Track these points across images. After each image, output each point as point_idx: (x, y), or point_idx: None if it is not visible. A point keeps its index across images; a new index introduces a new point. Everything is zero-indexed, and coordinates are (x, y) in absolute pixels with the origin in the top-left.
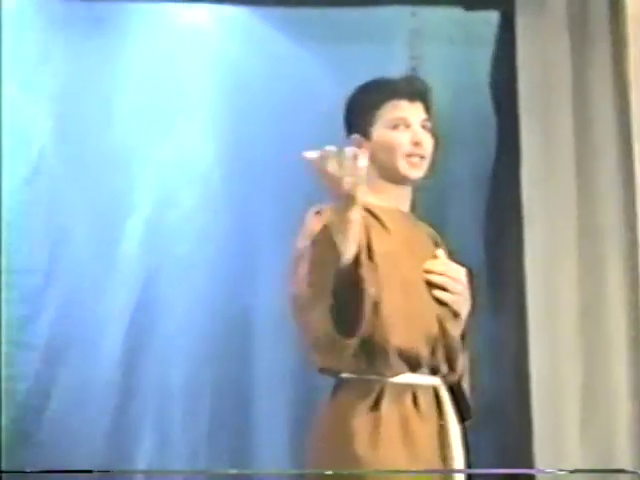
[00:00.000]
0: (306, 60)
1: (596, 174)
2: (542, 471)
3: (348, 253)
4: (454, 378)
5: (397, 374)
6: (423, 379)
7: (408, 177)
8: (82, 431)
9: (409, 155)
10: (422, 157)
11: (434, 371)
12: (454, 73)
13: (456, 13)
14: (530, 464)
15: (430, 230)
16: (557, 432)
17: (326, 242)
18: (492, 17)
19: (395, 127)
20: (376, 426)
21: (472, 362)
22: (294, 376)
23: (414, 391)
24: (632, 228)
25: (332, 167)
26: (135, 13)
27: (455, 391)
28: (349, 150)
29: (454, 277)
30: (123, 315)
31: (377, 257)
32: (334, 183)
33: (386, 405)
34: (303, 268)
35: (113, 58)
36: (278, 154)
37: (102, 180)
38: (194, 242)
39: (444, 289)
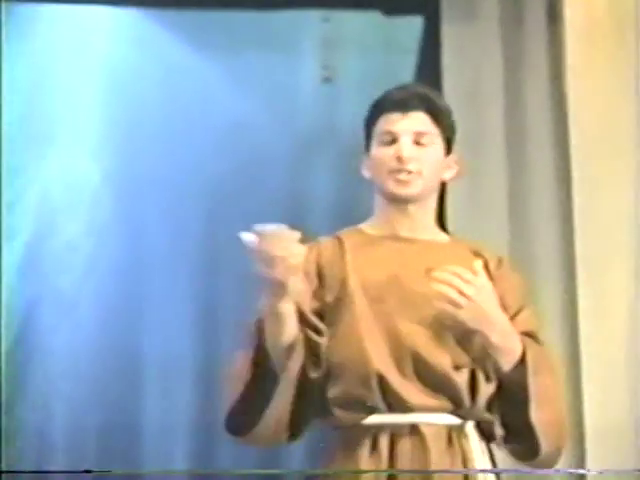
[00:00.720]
0: (205, 69)
1: (530, 191)
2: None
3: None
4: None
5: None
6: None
7: (397, 195)
8: None
9: (394, 171)
10: (410, 172)
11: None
12: (373, 83)
13: (375, 18)
14: None
15: (466, 247)
16: None
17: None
18: (415, 23)
19: (384, 142)
20: None
21: None
22: (190, 425)
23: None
24: (569, 257)
25: (266, 246)
26: (19, 15)
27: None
28: (286, 231)
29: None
30: None
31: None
32: (266, 266)
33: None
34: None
35: None
36: (173, 172)
37: None
38: (79, 273)
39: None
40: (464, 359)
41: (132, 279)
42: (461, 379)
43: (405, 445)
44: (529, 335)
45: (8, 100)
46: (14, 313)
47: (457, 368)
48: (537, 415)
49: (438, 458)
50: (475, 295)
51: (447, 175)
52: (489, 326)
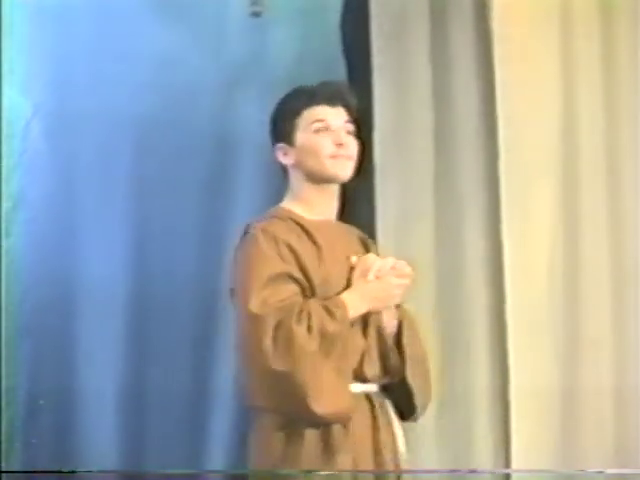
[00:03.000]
0: (134, 2)
1: (454, 126)
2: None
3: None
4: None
5: None
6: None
7: (337, 176)
8: None
9: (334, 156)
10: (348, 158)
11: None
12: (301, 18)
13: None
14: None
15: (359, 233)
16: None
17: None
18: None
19: (317, 131)
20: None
21: None
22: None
23: None
24: (493, 192)
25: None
26: None
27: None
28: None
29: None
30: None
31: (317, 290)
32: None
33: None
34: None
35: None
36: (104, 105)
37: None
38: (10, 204)
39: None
40: None
41: (62, 209)
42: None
43: (361, 408)
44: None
45: None
46: None
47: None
48: (412, 372)
49: (380, 418)
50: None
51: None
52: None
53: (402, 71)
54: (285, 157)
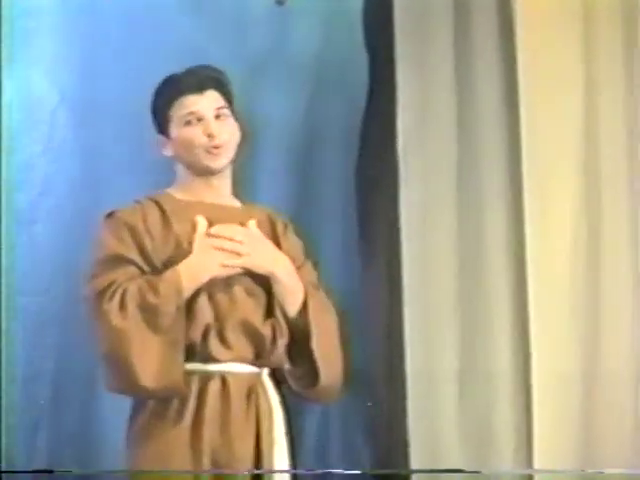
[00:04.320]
0: None
1: (478, 116)
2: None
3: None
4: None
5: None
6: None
7: (209, 168)
8: None
9: (206, 147)
10: (219, 147)
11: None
12: (324, 7)
13: None
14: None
15: (270, 213)
16: (432, 414)
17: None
18: None
19: (188, 123)
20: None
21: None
22: None
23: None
24: (515, 181)
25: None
26: None
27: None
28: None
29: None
30: None
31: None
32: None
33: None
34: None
35: None
36: (130, 93)
37: None
38: (36, 191)
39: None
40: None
41: (89, 198)
42: (267, 332)
43: (212, 389)
44: (311, 284)
45: None
46: None
47: (264, 322)
48: (317, 345)
49: (237, 403)
50: (248, 242)
51: (237, 140)
52: (273, 264)
53: (425, 60)
54: (164, 149)
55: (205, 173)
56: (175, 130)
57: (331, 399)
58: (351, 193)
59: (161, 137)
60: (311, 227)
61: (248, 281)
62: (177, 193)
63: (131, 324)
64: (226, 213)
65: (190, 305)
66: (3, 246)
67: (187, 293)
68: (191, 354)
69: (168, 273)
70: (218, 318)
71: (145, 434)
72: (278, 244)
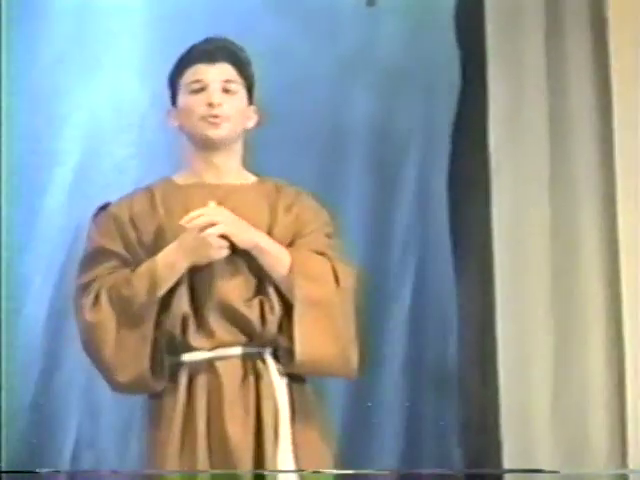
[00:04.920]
0: None
1: (570, 115)
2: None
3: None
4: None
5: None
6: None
7: (207, 137)
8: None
9: (205, 117)
10: (218, 117)
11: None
12: (416, 7)
13: None
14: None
15: (271, 186)
16: (525, 415)
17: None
18: None
19: (193, 91)
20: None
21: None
22: None
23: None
24: (609, 186)
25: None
26: None
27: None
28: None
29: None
30: (48, 274)
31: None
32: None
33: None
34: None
35: None
36: None
37: (25, 126)
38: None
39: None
40: (251, 292)
41: None
42: (250, 311)
43: (201, 380)
44: (319, 252)
45: (57, 23)
46: (64, 234)
47: (247, 301)
48: (300, 315)
49: (231, 391)
50: (222, 217)
51: (249, 124)
52: (254, 234)
53: (516, 59)
54: (172, 120)
55: (204, 146)
56: (181, 99)
57: (330, 372)
58: (442, 196)
59: (172, 108)
60: (399, 230)
61: (231, 263)
62: (179, 178)
63: (102, 318)
64: (222, 192)
65: (168, 297)
66: None
67: (166, 284)
68: (173, 346)
69: (145, 264)
70: (196, 306)
71: (148, 432)
72: (275, 210)
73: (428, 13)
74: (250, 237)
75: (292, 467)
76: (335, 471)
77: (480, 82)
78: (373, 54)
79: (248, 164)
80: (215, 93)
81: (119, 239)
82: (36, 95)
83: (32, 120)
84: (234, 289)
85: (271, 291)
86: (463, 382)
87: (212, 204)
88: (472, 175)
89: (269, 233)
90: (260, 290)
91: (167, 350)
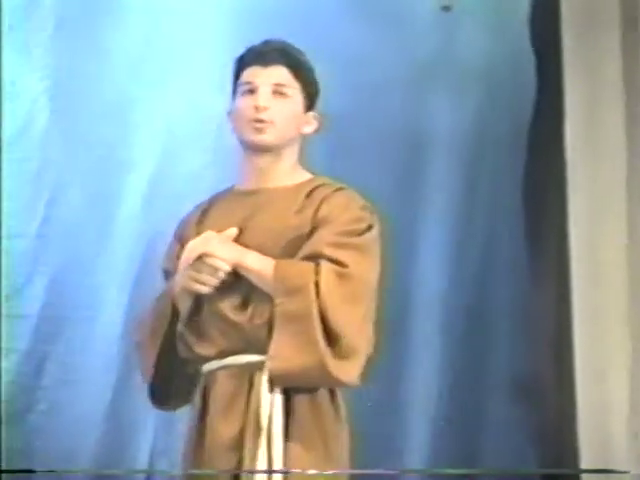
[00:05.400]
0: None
1: None
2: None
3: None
4: None
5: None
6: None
7: (253, 142)
8: (78, 412)
9: (251, 120)
10: (265, 121)
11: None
12: (492, 12)
13: None
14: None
15: (309, 187)
16: (603, 418)
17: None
18: None
19: (244, 93)
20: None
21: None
22: None
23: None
24: None
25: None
26: None
27: None
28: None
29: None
30: (123, 282)
31: None
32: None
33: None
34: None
35: (112, 3)
36: None
37: (98, 134)
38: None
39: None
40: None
41: None
42: (242, 318)
43: (213, 391)
44: (312, 256)
45: (131, 30)
46: (139, 242)
47: (236, 308)
48: (276, 334)
49: (222, 402)
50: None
51: (306, 129)
52: (234, 254)
53: (592, 63)
54: (230, 123)
55: (250, 150)
56: (235, 101)
57: (317, 384)
58: (517, 203)
59: (230, 109)
60: (479, 232)
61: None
62: (238, 184)
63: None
64: (267, 196)
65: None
66: None
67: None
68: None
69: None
70: (195, 319)
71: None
72: (291, 213)
73: (503, 17)
74: (231, 257)
75: None
76: (331, 471)
77: (556, 85)
78: (449, 58)
79: (325, 170)
80: (262, 96)
81: (174, 258)
82: (111, 103)
83: (107, 128)
84: (228, 296)
85: (259, 299)
86: (540, 387)
87: (192, 244)
88: (548, 181)
89: (281, 235)
90: (253, 296)
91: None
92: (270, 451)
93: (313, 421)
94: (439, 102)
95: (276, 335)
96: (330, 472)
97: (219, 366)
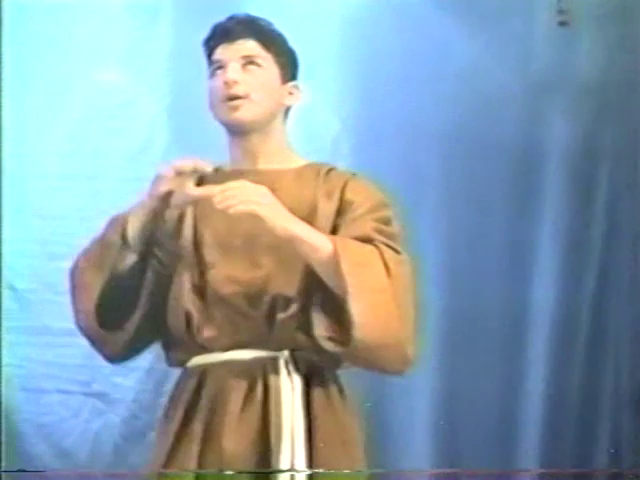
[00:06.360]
0: (439, 15)
1: None
2: None
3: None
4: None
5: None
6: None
7: (231, 123)
8: None
9: (225, 99)
10: (239, 97)
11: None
12: (610, 27)
13: None
14: None
15: (315, 171)
16: None
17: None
18: None
19: (214, 73)
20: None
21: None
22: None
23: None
24: None
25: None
26: None
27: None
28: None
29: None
30: None
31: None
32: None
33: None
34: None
35: None
36: (410, 120)
37: (217, 152)
38: None
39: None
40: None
41: None
42: (259, 313)
43: (208, 384)
44: (363, 239)
45: None
46: None
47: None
48: (353, 297)
49: (236, 403)
50: (259, 195)
51: (288, 101)
52: (290, 224)
53: None
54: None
55: (233, 130)
56: (208, 84)
57: (384, 364)
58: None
59: None
60: (595, 247)
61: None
62: (228, 164)
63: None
64: (259, 179)
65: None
66: None
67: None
68: (179, 345)
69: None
70: (201, 302)
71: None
72: (316, 198)
73: (620, 31)
74: (286, 226)
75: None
76: (320, 470)
77: None
78: (565, 73)
79: (440, 183)
80: (230, 71)
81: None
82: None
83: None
84: (236, 284)
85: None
86: None
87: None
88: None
89: (309, 223)
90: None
91: (173, 348)
92: (293, 451)
93: (331, 419)
94: (554, 117)
95: (356, 304)
96: (354, 471)
97: (223, 360)
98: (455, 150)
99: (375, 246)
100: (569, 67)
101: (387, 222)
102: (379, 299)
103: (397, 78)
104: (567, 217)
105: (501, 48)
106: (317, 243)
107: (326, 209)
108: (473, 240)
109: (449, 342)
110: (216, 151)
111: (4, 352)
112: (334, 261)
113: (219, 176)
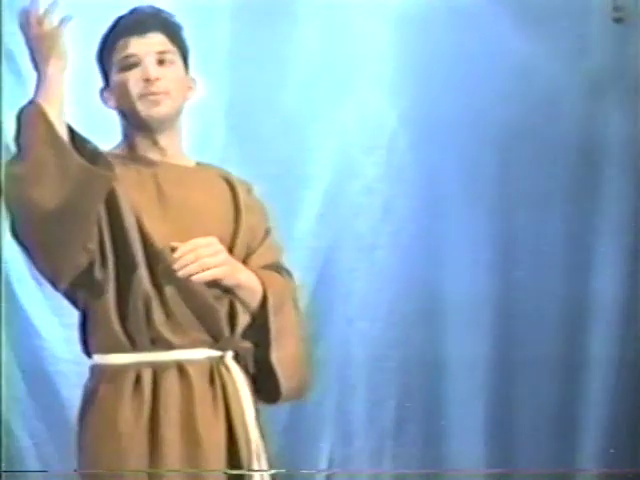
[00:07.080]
0: (493, 10)
1: None
2: None
3: None
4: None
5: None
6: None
7: (151, 118)
8: None
9: (143, 94)
10: (158, 93)
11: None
12: None
13: None
14: None
15: (223, 173)
16: None
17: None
18: None
19: (126, 68)
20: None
21: None
22: (487, 362)
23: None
24: None
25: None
26: None
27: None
28: None
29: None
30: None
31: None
32: None
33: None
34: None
35: (284, 20)
36: (466, 114)
37: (274, 150)
38: (377, 216)
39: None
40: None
41: (428, 221)
42: (221, 308)
43: (168, 382)
44: (273, 267)
45: (305, 45)
46: (315, 257)
47: (217, 298)
48: (278, 355)
49: (201, 394)
50: (221, 259)
51: (189, 95)
52: (238, 273)
53: None
54: (108, 101)
55: (147, 127)
56: (114, 77)
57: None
58: None
59: (106, 88)
60: None
61: None
62: (118, 150)
63: None
64: (175, 172)
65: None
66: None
67: None
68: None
69: None
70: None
71: (99, 435)
72: (237, 207)
73: None
74: (236, 276)
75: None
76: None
77: None
78: (621, 69)
79: (495, 182)
80: (151, 67)
81: None
82: (286, 118)
83: (282, 144)
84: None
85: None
86: None
87: (208, 239)
88: None
89: (234, 233)
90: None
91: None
92: (258, 450)
93: None
94: (611, 113)
95: (277, 353)
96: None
97: (181, 358)
98: (512, 146)
99: (280, 271)
100: (625, 64)
101: (270, 232)
102: (290, 343)
103: (453, 74)
104: (627, 212)
105: (557, 45)
106: (252, 288)
107: (249, 222)
108: (532, 237)
109: (507, 340)
110: (272, 148)
111: None
112: (261, 309)
113: (130, 159)
